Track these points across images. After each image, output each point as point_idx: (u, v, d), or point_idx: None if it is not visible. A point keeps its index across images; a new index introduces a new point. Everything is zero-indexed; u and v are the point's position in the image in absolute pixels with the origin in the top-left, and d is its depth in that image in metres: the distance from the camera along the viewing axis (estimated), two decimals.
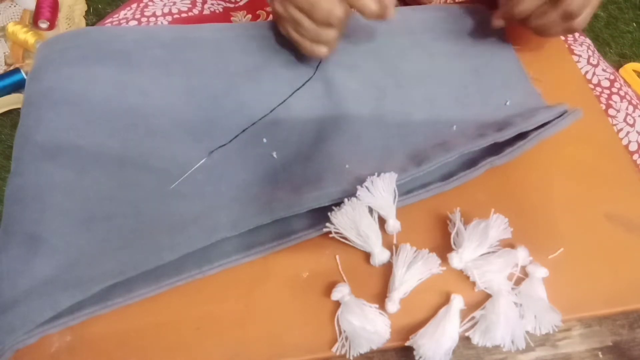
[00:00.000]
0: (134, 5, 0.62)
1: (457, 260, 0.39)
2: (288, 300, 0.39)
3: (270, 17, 0.62)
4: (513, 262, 0.39)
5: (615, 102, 0.54)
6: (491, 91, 0.50)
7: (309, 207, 0.40)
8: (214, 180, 0.44)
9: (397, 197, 0.41)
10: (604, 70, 0.57)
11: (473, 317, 0.37)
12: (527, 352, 0.38)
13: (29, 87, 0.48)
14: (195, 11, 0.63)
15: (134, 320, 0.38)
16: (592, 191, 0.45)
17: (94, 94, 0.47)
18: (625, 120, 0.53)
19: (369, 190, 0.39)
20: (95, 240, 0.40)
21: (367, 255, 0.40)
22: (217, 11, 0.64)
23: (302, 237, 0.41)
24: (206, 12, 0.63)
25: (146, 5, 0.62)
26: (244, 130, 0.45)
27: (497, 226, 0.40)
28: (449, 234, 0.41)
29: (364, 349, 0.36)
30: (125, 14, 0.61)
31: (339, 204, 0.40)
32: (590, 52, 0.58)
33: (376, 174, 0.40)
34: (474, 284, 0.39)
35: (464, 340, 0.37)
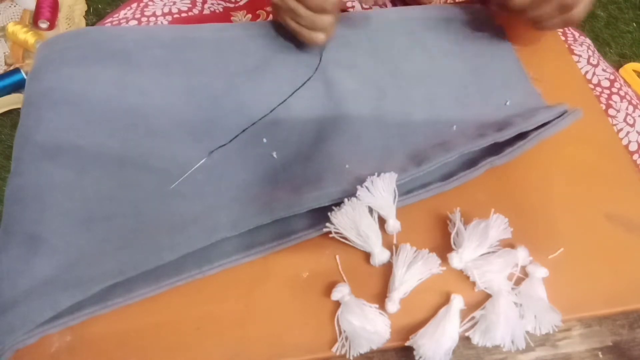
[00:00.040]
0: (134, 5, 0.62)
1: (457, 260, 0.39)
2: (288, 300, 0.39)
3: (271, 17, 0.62)
4: (513, 262, 0.39)
5: (615, 102, 0.54)
6: (491, 91, 0.50)
7: (309, 207, 0.40)
8: (214, 180, 0.44)
9: (397, 197, 0.41)
10: (604, 70, 0.57)
11: (473, 317, 0.37)
12: (527, 352, 0.38)
13: (29, 87, 0.48)
14: (195, 11, 0.63)
15: (134, 320, 0.38)
16: (592, 191, 0.45)
17: (94, 94, 0.47)
18: (625, 120, 0.53)
19: (369, 190, 0.39)
20: (95, 240, 0.40)
21: (367, 255, 0.40)
22: (217, 11, 0.64)
23: (302, 237, 0.41)
24: (206, 12, 0.63)
25: (146, 5, 0.62)
26: (244, 131, 0.45)
27: (497, 226, 0.40)
28: (449, 234, 0.41)
29: (364, 349, 0.36)
30: (125, 14, 0.61)
31: (339, 204, 0.40)
32: (590, 52, 0.58)
33: (376, 174, 0.40)
34: (474, 284, 0.39)
35: (464, 340, 0.37)
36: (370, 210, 0.40)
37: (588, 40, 0.61)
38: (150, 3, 0.62)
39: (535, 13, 0.47)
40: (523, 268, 0.39)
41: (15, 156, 0.45)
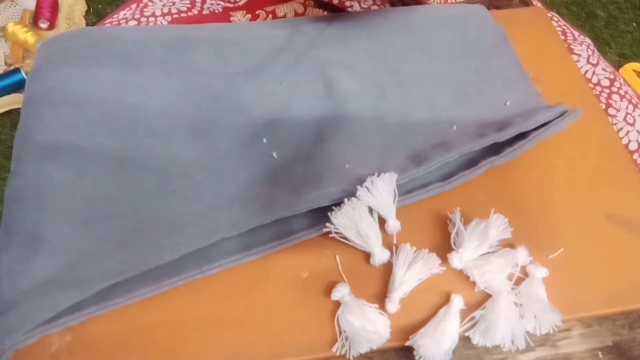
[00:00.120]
0: (134, 6, 0.62)
1: (457, 260, 0.39)
2: (288, 300, 0.39)
3: (270, 16, 0.62)
4: (513, 262, 0.39)
5: (615, 101, 0.54)
6: (491, 91, 0.50)
7: (309, 207, 0.40)
8: (214, 180, 0.44)
9: (397, 197, 0.41)
10: (603, 69, 0.57)
11: (473, 317, 0.37)
12: (527, 352, 0.38)
13: (29, 87, 0.48)
14: (195, 11, 0.63)
15: (134, 320, 0.38)
16: (592, 191, 0.45)
17: (94, 94, 0.47)
18: (625, 119, 0.53)
19: (369, 190, 0.39)
20: (95, 240, 0.40)
21: (367, 255, 0.40)
22: (217, 11, 0.64)
23: (302, 237, 0.41)
24: (205, 12, 0.63)
25: (146, 5, 0.62)
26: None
27: (497, 226, 0.40)
28: (449, 234, 0.41)
29: (364, 349, 0.36)
30: (125, 14, 0.61)
31: (339, 204, 0.40)
32: (590, 52, 0.58)
33: (376, 174, 0.40)
34: (474, 284, 0.39)
35: (464, 340, 0.37)
36: (370, 210, 0.40)
37: (588, 40, 0.61)
38: (149, 3, 0.62)
39: None
40: (523, 268, 0.39)
41: (15, 156, 0.45)
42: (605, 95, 0.55)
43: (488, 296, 0.38)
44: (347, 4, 0.62)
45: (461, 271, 0.40)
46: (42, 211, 0.41)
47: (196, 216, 0.41)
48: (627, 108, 0.54)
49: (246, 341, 0.37)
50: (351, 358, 0.36)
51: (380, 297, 0.39)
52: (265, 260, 0.40)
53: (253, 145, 0.46)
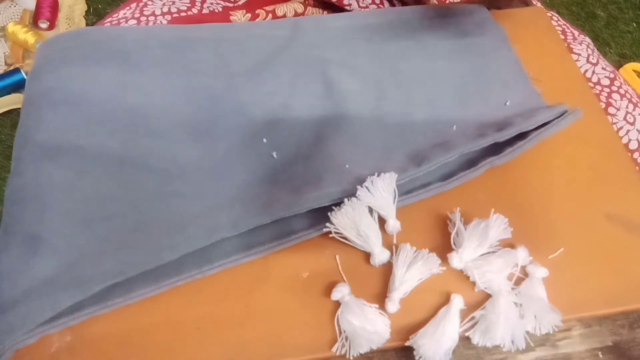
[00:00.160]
0: (134, 5, 0.62)
1: (457, 260, 0.39)
2: (288, 300, 0.39)
3: (270, 16, 0.62)
4: (513, 262, 0.39)
5: (615, 101, 0.54)
6: (491, 91, 0.50)
7: (309, 207, 0.40)
8: (214, 180, 0.44)
9: (397, 197, 0.41)
10: (603, 68, 0.57)
11: (473, 317, 0.37)
12: (527, 352, 0.38)
13: (29, 87, 0.48)
14: (195, 10, 0.63)
15: (134, 320, 0.38)
16: (592, 191, 0.45)
17: (94, 94, 0.47)
18: (625, 118, 0.53)
19: (369, 190, 0.39)
20: (95, 240, 0.40)
21: (367, 255, 0.40)
22: (216, 10, 0.64)
23: (302, 237, 0.41)
24: (205, 11, 0.63)
25: (145, 5, 0.62)
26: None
27: (497, 226, 0.40)
28: (449, 234, 0.41)
29: (364, 349, 0.36)
30: (125, 14, 0.61)
31: (339, 204, 0.40)
32: (589, 51, 0.58)
33: (376, 174, 0.40)
34: (474, 284, 0.39)
35: (464, 340, 0.37)
36: (370, 210, 0.40)
37: (587, 39, 0.60)
38: (149, 2, 0.62)
39: None
40: (523, 268, 0.39)
41: (15, 156, 0.45)
42: (605, 94, 0.55)
43: (488, 296, 0.38)
44: (345, 1, 0.62)
45: (461, 271, 0.40)
46: (42, 211, 0.41)
47: (196, 216, 0.41)
48: (627, 107, 0.54)
49: (246, 341, 0.37)
50: (351, 358, 0.36)
51: (380, 297, 0.39)
52: (265, 260, 0.40)
53: (253, 145, 0.46)
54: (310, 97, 0.48)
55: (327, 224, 0.39)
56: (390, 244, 0.41)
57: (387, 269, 0.40)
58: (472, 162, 0.45)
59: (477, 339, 0.37)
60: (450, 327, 0.36)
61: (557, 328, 0.37)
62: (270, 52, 0.51)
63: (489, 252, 0.40)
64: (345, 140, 0.45)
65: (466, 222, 0.41)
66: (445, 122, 0.47)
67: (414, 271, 0.38)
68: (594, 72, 0.56)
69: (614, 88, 0.55)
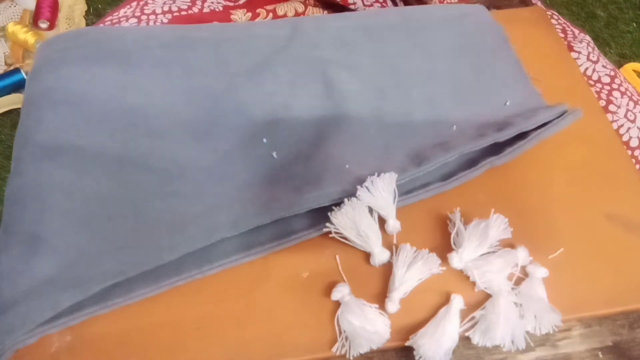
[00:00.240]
0: (134, 4, 0.62)
1: (457, 260, 0.39)
2: (288, 300, 0.39)
3: (271, 15, 0.62)
4: (513, 262, 0.39)
5: (616, 98, 0.54)
6: (491, 91, 0.50)
7: (309, 207, 0.40)
8: (214, 180, 0.44)
9: (397, 197, 0.41)
10: (604, 66, 0.57)
11: (473, 317, 0.37)
12: (527, 352, 0.38)
13: (29, 87, 0.48)
14: (195, 9, 0.63)
15: (134, 320, 0.38)
16: (592, 191, 0.45)
17: (94, 94, 0.47)
18: (626, 116, 0.53)
19: (369, 190, 0.39)
20: (95, 240, 0.40)
21: (367, 255, 0.40)
22: (217, 9, 0.64)
23: (302, 237, 0.41)
24: (206, 10, 0.63)
25: (146, 3, 0.62)
26: None
27: (497, 226, 0.40)
28: (449, 234, 0.41)
29: (364, 349, 0.36)
30: (125, 12, 0.61)
31: (339, 204, 0.40)
32: (590, 49, 0.58)
33: (376, 174, 0.40)
34: (474, 284, 0.39)
35: (464, 340, 0.37)
36: (370, 210, 0.40)
37: (588, 37, 0.60)
38: (150, 1, 0.62)
39: None
40: (523, 268, 0.39)
41: (15, 156, 0.45)
42: (606, 92, 0.54)
43: (488, 296, 0.38)
44: (350, 0, 0.62)
45: (461, 271, 0.40)
46: (42, 211, 0.41)
47: (196, 216, 0.41)
48: (627, 105, 0.54)
49: (246, 341, 0.37)
50: (351, 358, 0.36)
51: (380, 297, 0.39)
52: (265, 260, 0.40)
53: (253, 145, 0.46)
54: (310, 97, 0.48)
55: (327, 224, 0.39)
56: (390, 244, 0.41)
57: (387, 269, 0.40)
58: (472, 162, 0.45)
59: (477, 339, 0.37)
60: (450, 327, 0.36)
61: (557, 328, 0.37)
62: (270, 52, 0.51)
63: (489, 252, 0.40)
64: (345, 140, 0.45)
65: (466, 222, 0.41)
66: (445, 122, 0.47)
67: (414, 271, 0.38)
68: (594, 69, 0.56)
69: (615, 86, 0.55)
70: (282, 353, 0.37)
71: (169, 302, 0.39)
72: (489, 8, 0.58)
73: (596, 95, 0.53)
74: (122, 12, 0.61)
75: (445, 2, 0.63)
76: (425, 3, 0.62)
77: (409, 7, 0.58)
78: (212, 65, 0.50)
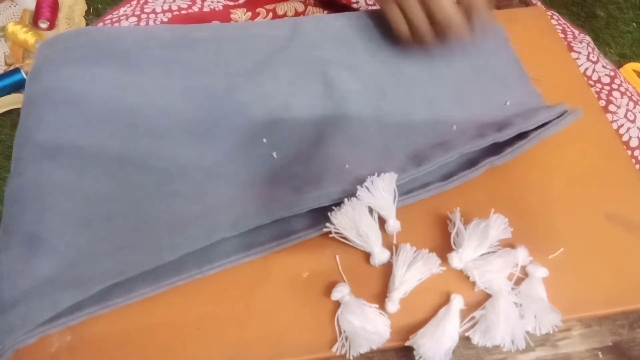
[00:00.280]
0: (134, 2, 0.62)
1: (457, 260, 0.39)
2: (288, 300, 0.39)
3: (271, 14, 0.62)
4: (513, 262, 0.39)
5: (616, 98, 0.54)
6: (491, 91, 0.50)
7: (309, 207, 0.40)
8: (214, 180, 0.44)
9: (397, 197, 0.41)
10: (604, 66, 0.57)
11: (473, 317, 0.37)
12: (527, 352, 0.38)
13: (29, 87, 0.48)
14: (195, 8, 0.63)
15: (134, 320, 0.38)
16: (592, 191, 0.45)
17: (94, 94, 0.47)
18: (626, 116, 0.53)
19: (369, 190, 0.39)
20: (95, 240, 0.40)
21: (367, 255, 0.40)
22: (217, 9, 0.64)
23: (302, 237, 0.41)
24: (206, 9, 0.63)
25: (146, 2, 0.62)
26: None
27: (497, 226, 0.40)
28: (449, 234, 0.41)
29: (364, 349, 0.36)
30: (125, 11, 0.61)
31: (339, 204, 0.40)
32: (590, 49, 0.58)
33: (376, 174, 0.40)
34: (474, 284, 0.39)
35: (464, 340, 0.37)
36: (370, 210, 0.40)
37: (588, 38, 0.60)
38: (150, 0, 0.62)
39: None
40: (523, 268, 0.39)
41: (15, 156, 0.45)
42: (606, 92, 0.55)
43: (488, 296, 0.38)
44: None
45: (461, 271, 0.40)
46: (42, 211, 0.41)
47: (196, 216, 0.41)
48: (627, 105, 0.54)
49: (246, 341, 0.37)
50: (351, 358, 0.36)
51: (380, 297, 0.39)
52: (265, 260, 0.40)
53: (253, 145, 0.46)
54: (310, 97, 0.48)
55: (327, 224, 0.39)
56: (390, 244, 0.41)
57: (387, 269, 0.40)
58: (472, 162, 0.45)
59: (477, 339, 0.37)
60: (450, 327, 0.36)
61: (557, 328, 0.37)
62: (270, 52, 0.51)
63: (489, 252, 0.40)
64: (345, 140, 0.45)
65: (466, 222, 0.41)
66: (445, 122, 0.47)
67: (414, 271, 0.38)
68: (594, 70, 0.56)
69: (615, 86, 0.55)
70: (282, 353, 0.37)
71: (169, 302, 0.39)
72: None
73: (596, 96, 0.53)
74: (122, 10, 0.61)
75: None
76: None
77: None
78: (212, 65, 0.50)
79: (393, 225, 0.41)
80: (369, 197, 0.39)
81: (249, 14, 0.61)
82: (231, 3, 0.65)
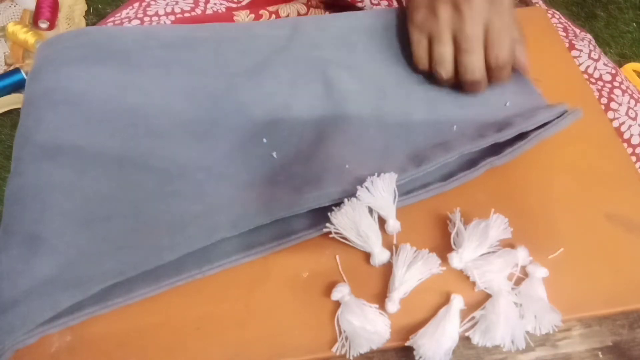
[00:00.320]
0: (136, 4, 0.62)
1: (457, 260, 0.39)
2: (288, 300, 0.39)
3: (273, 16, 0.62)
4: (513, 262, 0.39)
5: (617, 96, 0.54)
6: (491, 91, 0.50)
7: (309, 207, 0.40)
8: (214, 180, 0.44)
9: (397, 197, 0.41)
10: (605, 64, 0.57)
11: (473, 317, 0.37)
12: (527, 352, 0.38)
13: (29, 87, 0.48)
14: (198, 11, 0.63)
15: (134, 320, 0.38)
16: (592, 191, 0.45)
17: (94, 94, 0.47)
18: (627, 113, 0.53)
19: (369, 190, 0.39)
20: (95, 240, 0.40)
21: (367, 255, 0.40)
22: (220, 11, 0.64)
23: (302, 237, 0.41)
24: (209, 11, 0.63)
25: (148, 5, 0.62)
26: None
27: (497, 226, 0.40)
28: (449, 234, 0.41)
29: (364, 349, 0.36)
30: (128, 13, 0.61)
31: (339, 204, 0.40)
32: (591, 47, 0.58)
33: (376, 174, 0.40)
34: (474, 284, 0.39)
35: (464, 340, 0.37)
36: (370, 210, 0.40)
37: (589, 36, 0.61)
38: (152, 2, 0.62)
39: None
40: (523, 268, 0.39)
41: (15, 156, 0.45)
42: (607, 90, 0.55)
43: (488, 296, 0.38)
44: None
45: (461, 271, 0.40)
46: (42, 211, 0.41)
47: (196, 216, 0.41)
48: (629, 102, 0.54)
49: (246, 341, 0.37)
50: (351, 358, 0.36)
51: (380, 297, 0.39)
52: (265, 260, 0.41)
53: (253, 145, 0.46)
54: (310, 97, 0.48)
55: (327, 224, 0.39)
56: (390, 244, 0.41)
57: (387, 269, 0.40)
58: (472, 162, 0.45)
59: (477, 339, 0.37)
60: (450, 327, 0.36)
61: (557, 328, 0.37)
62: (270, 52, 0.51)
63: (489, 252, 0.40)
64: (345, 140, 0.45)
65: (466, 222, 0.41)
66: (445, 122, 0.47)
67: (414, 271, 0.38)
68: (595, 68, 0.56)
69: (616, 84, 0.55)
70: (282, 353, 0.37)
71: (169, 302, 0.39)
72: None
73: (597, 94, 0.53)
74: (124, 13, 0.61)
75: None
76: None
77: None
78: (212, 65, 0.50)
79: (393, 225, 0.41)
80: (369, 197, 0.39)
81: (252, 16, 0.62)
82: (234, 5, 0.65)
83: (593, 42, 0.60)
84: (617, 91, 0.54)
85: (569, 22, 0.62)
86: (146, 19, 0.60)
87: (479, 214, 0.41)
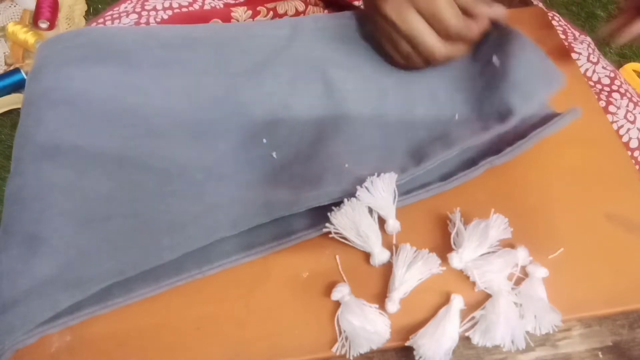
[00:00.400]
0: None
1: (457, 260, 0.39)
2: (288, 300, 0.39)
3: (271, 14, 0.62)
4: (513, 262, 0.39)
5: (616, 99, 0.54)
6: (492, 71, 0.50)
7: (309, 206, 0.40)
8: (214, 180, 0.44)
9: (397, 197, 0.41)
10: (604, 67, 0.57)
11: (473, 317, 0.37)
12: (527, 352, 0.38)
13: (29, 87, 0.48)
14: (196, 6, 0.62)
15: (134, 320, 0.38)
16: (592, 191, 0.45)
17: (94, 94, 0.47)
18: (625, 117, 0.53)
19: (368, 190, 0.39)
20: (95, 240, 0.40)
21: (367, 255, 0.40)
22: (218, 6, 0.64)
23: (302, 237, 0.41)
24: (207, 7, 0.63)
25: None
26: None
27: (497, 226, 0.40)
28: (449, 234, 0.41)
29: (364, 349, 0.36)
30: (126, 7, 0.61)
31: (338, 204, 0.40)
32: (590, 50, 0.58)
33: (376, 174, 0.40)
34: (474, 284, 0.39)
35: (464, 340, 0.37)
36: (370, 210, 0.40)
37: (588, 39, 0.60)
38: None
39: None
40: (523, 268, 0.39)
41: (15, 156, 0.45)
42: (606, 93, 0.55)
43: (488, 296, 0.38)
44: None
45: (461, 271, 0.40)
46: (42, 211, 0.41)
47: (196, 216, 0.41)
48: (627, 106, 0.54)
49: (246, 341, 0.37)
50: (351, 358, 0.36)
51: (380, 297, 0.39)
52: (265, 260, 0.41)
53: (253, 145, 0.46)
54: (310, 97, 0.48)
55: (327, 224, 0.39)
56: (390, 244, 0.41)
57: (387, 269, 0.40)
58: (471, 162, 0.45)
59: (477, 339, 0.37)
60: (450, 327, 0.36)
61: (557, 328, 0.37)
62: (270, 52, 0.51)
63: (489, 252, 0.40)
64: (345, 140, 0.45)
65: (466, 222, 0.41)
66: (447, 112, 0.47)
67: (414, 271, 0.38)
68: (594, 71, 0.56)
69: (615, 87, 0.55)
70: (282, 353, 0.37)
71: (169, 302, 0.39)
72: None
73: (596, 97, 0.53)
74: (122, 7, 0.61)
75: None
76: None
77: None
78: (212, 65, 0.50)
79: (393, 225, 0.41)
80: (368, 197, 0.39)
81: (250, 12, 0.61)
82: (232, 1, 0.65)
83: (592, 44, 0.60)
84: (615, 94, 0.54)
85: (568, 25, 0.62)
86: (144, 13, 0.60)
87: (479, 214, 0.41)
